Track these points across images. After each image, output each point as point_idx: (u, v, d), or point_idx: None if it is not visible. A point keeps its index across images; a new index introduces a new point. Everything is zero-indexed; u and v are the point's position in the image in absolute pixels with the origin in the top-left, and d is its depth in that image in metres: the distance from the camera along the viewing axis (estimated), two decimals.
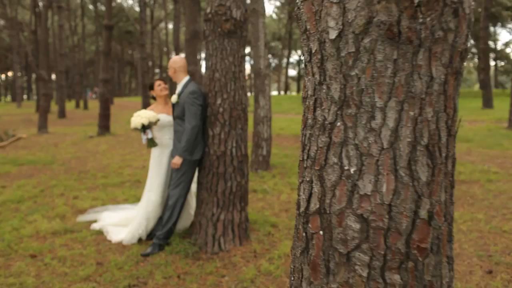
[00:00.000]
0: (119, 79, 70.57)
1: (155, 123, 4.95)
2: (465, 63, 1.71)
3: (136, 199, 6.87)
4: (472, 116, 20.22)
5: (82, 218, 5.94)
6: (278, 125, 17.97)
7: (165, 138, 5.06)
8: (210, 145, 4.78)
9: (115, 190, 7.53)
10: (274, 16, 62.89)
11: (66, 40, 38.68)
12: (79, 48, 44.58)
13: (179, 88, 4.88)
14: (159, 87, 5.12)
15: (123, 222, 5.43)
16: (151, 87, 5.17)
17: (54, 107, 33.29)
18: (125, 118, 24.75)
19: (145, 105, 26.29)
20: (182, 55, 40.90)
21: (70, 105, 41.15)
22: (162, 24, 63.70)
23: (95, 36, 49.77)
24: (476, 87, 73.61)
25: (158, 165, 5.07)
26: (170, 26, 55.79)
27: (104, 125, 16.41)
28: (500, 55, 40.72)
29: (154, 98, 5.26)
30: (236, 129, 4.81)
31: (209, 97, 4.80)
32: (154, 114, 4.94)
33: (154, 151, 5.11)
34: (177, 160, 4.69)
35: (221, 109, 4.75)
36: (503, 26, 42.20)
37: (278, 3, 58.77)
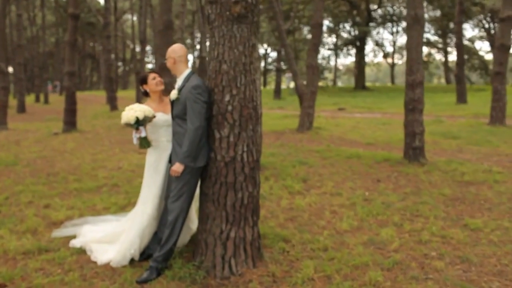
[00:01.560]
0: (80, 72, 68.14)
1: (151, 119, 4.18)
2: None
3: (118, 207, 6.06)
4: (448, 111, 20.09)
5: (58, 233, 5.11)
6: None
7: (162, 140, 4.30)
8: (216, 149, 4.05)
9: (92, 197, 6.68)
10: None
11: (24, 31, 36.70)
12: (39, 40, 42.54)
13: (179, 82, 4.13)
14: (154, 81, 4.35)
15: (108, 238, 4.64)
16: (144, 81, 4.39)
17: (12, 102, 31.48)
18: (90, 113, 23.56)
19: (111, 100, 25.06)
20: (148, 47, 39.68)
21: (29, 99, 39.22)
22: (125, 16, 61.84)
23: (55, 27, 47.72)
24: (436, 81, 74.72)
25: (154, 172, 4.31)
26: (135, 18, 54.06)
27: (70, 121, 15.30)
28: (467, 50, 41.28)
29: (146, 94, 4.48)
30: (247, 131, 4.10)
31: (215, 93, 4.06)
32: (150, 109, 4.17)
33: (150, 157, 4.34)
34: (178, 168, 3.94)
35: (229, 107, 4.02)
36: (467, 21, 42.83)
37: None
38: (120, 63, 66.75)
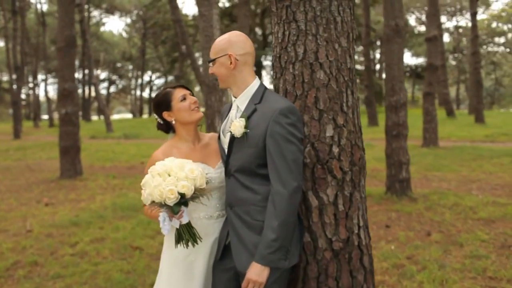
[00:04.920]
0: None
1: (204, 192, 2.15)
2: None
3: None
4: (365, 134, 19.63)
5: None
6: None
7: (199, 216, 2.28)
8: (315, 228, 2.18)
9: None
10: (124, 34, 58.78)
11: None
12: None
13: (242, 102, 2.20)
14: (185, 104, 2.31)
15: None
16: (165, 106, 2.33)
17: None
18: None
19: None
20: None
21: None
22: None
23: None
24: None
25: (185, 279, 2.26)
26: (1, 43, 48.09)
27: None
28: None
29: (166, 129, 2.44)
30: (360, 189, 2.29)
31: (303, 122, 2.21)
32: (201, 170, 2.14)
33: (176, 249, 2.28)
34: (259, 274, 1.99)
35: (335, 149, 2.19)
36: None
37: (128, 20, 54.92)
38: None
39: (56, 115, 36.36)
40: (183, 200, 2.04)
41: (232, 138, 2.13)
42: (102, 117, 37.56)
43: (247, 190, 2.11)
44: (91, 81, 34.53)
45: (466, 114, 29.43)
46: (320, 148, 2.18)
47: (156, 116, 2.37)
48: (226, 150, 2.20)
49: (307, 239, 2.18)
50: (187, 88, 2.36)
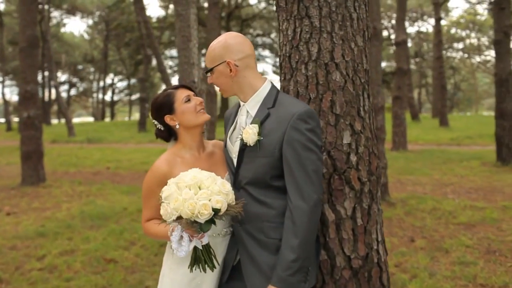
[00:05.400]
0: None
1: (234, 209, 1.83)
2: None
3: None
4: None
5: None
6: (136, 157, 14.68)
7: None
8: (332, 245, 1.99)
9: None
10: (86, 36, 57.35)
11: None
12: None
13: (252, 106, 1.97)
14: (190, 105, 2.07)
15: None
16: (168, 108, 2.08)
17: None
18: None
19: None
20: None
21: None
22: None
23: None
24: None
25: None
26: None
27: None
28: None
29: (167, 137, 2.18)
30: (377, 201, 2.11)
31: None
32: (228, 185, 1.87)
33: (178, 270, 2.03)
34: None
35: (353, 158, 2.01)
36: None
37: (90, 22, 53.53)
38: None
39: (14, 119, 35.03)
40: (214, 217, 1.79)
41: (243, 147, 1.90)
42: (62, 120, 36.44)
43: (260, 204, 1.89)
44: (52, 83, 33.48)
45: (430, 117, 30.06)
46: (337, 156, 1.98)
47: (156, 122, 2.10)
48: (234, 160, 1.97)
49: (324, 257, 1.99)
50: (190, 89, 2.12)
